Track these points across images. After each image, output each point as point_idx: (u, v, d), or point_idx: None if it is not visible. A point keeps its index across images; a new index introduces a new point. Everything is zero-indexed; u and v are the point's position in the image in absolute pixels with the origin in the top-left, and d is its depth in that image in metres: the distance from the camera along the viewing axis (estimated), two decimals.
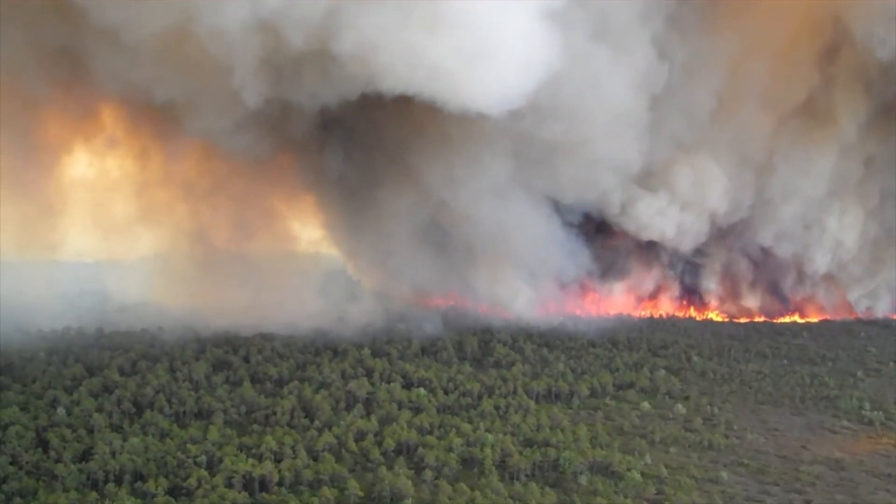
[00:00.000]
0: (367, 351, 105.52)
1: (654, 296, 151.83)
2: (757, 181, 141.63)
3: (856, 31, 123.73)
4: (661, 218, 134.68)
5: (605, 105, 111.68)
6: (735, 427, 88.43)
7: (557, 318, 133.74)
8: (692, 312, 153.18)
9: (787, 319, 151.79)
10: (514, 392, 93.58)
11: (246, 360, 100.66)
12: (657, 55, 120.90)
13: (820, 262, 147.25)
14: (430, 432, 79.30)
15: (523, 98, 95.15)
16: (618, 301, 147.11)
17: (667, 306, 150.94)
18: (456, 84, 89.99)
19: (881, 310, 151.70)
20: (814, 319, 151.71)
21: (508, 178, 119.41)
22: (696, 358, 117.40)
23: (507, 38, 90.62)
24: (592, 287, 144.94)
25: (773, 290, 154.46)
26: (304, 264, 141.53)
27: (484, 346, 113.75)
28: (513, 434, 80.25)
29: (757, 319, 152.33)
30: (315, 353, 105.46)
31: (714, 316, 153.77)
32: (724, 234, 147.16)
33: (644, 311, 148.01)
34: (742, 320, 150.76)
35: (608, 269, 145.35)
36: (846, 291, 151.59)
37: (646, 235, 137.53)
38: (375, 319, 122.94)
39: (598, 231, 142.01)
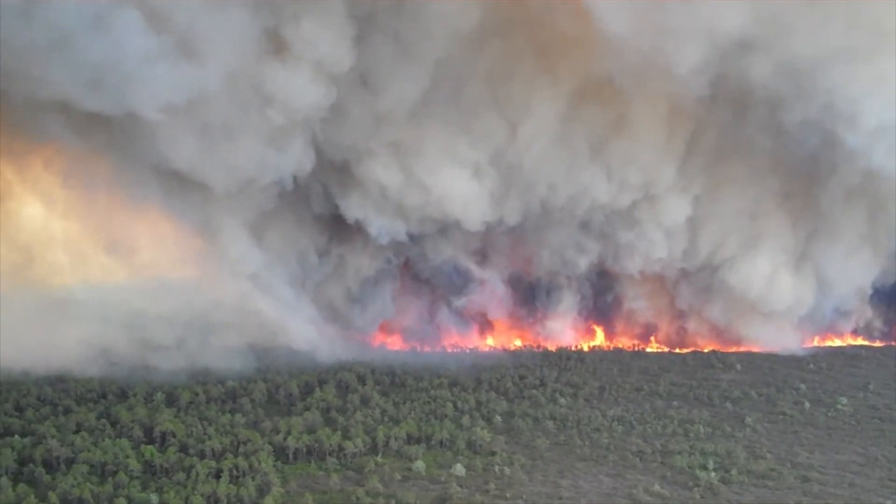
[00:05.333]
0: (160, 395, 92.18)
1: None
2: (533, 184, 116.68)
3: None
4: (372, 219, 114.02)
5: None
6: (508, 495, 70.49)
7: (433, 354, 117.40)
8: (623, 343, 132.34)
9: (736, 350, 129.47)
10: (263, 449, 77.68)
11: None
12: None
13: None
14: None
15: None
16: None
17: (569, 336, 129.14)
18: None
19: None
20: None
21: None
22: (562, 400, 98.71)
23: None
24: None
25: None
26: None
27: (308, 390, 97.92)
28: None
29: (706, 350, 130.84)
30: (97, 398, 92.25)
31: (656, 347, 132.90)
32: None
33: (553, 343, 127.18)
34: (680, 351, 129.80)
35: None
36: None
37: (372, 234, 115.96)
38: (208, 357, 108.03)
39: None
